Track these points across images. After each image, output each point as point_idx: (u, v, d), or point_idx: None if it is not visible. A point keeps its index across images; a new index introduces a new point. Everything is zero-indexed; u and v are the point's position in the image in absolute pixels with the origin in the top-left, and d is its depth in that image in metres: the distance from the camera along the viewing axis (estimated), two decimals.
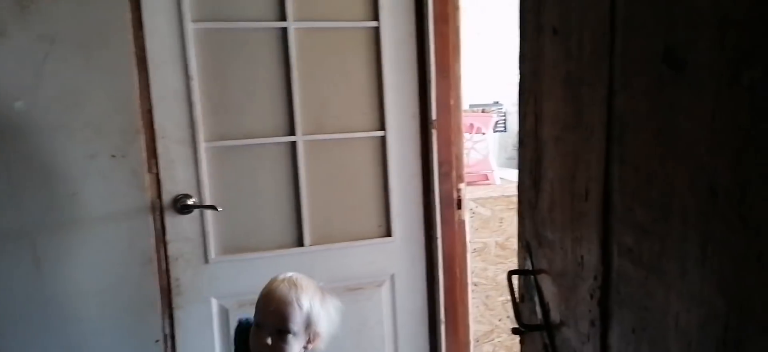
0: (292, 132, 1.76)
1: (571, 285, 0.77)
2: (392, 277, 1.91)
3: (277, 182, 1.79)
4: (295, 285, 1.25)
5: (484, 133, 2.31)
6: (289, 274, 1.30)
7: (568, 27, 0.71)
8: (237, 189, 1.76)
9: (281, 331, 1.21)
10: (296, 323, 1.22)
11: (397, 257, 1.90)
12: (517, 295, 1.01)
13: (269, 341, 1.21)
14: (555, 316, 0.86)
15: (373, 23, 1.78)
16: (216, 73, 1.69)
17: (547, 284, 0.90)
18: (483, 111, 2.63)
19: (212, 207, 1.69)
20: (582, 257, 0.71)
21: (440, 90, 1.83)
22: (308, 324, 1.24)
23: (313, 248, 1.82)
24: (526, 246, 1.01)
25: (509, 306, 2.17)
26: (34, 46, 1.51)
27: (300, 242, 1.81)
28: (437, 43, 1.81)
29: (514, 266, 1.05)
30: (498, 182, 2.30)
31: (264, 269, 1.59)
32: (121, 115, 1.60)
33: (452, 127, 1.85)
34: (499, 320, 2.15)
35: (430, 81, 1.82)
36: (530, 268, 0.97)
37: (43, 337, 1.61)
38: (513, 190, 1.10)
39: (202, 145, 1.69)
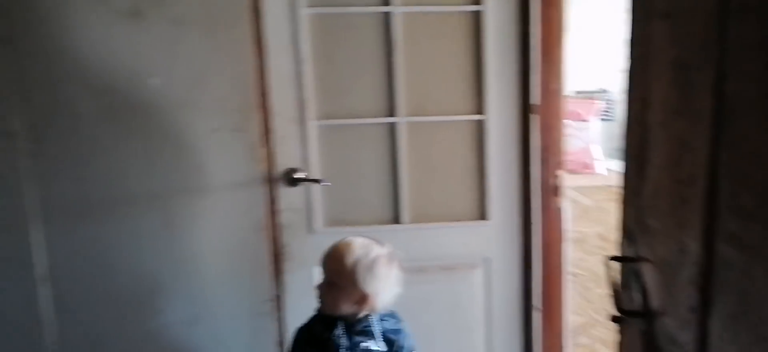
0: (393, 113, 1.83)
1: (672, 272, 0.77)
2: (487, 260, 1.93)
3: (378, 161, 1.87)
4: (348, 245, 1.37)
5: (587, 121, 2.25)
6: (353, 236, 1.42)
7: (679, 11, 0.70)
8: (341, 165, 1.86)
9: (330, 283, 1.37)
10: (341, 277, 1.35)
11: (493, 240, 1.92)
12: (616, 282, 1.01)
13: (322, 289, 1.38)
14: (654, 303, 0.85)
15: (477, 7, 1.79)
16: (325, 56, 1.80)
17: (647, 272, 0.89)
18: (589, 98, 2.53)
19: (317, 181, 1.81)
20: (684, 244, 0.71)
21: (543, 75, 1.81)
22: (354, 283, 1.33)
23: (410, 226, 1.89)
24: (627, 233, 1.00)
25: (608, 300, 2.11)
26: (167, 28, 1.69)
27: (397, 220, 1.89)
28: (542, 28, 1.79)
29: None
30: (601, 171, 2.23)
31: None
32: (240, 94, 1.75)
33: (554, 112, 1.83)
34: (598, 313, 2.10)
35: (532, 66, 1.81)
36: (631, 255, 0.96)
37: (171, 291, 1.81)
38: (616, 180, 1.09)
39: (311, 124, 1.81)
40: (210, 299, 1.84)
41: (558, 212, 1.87)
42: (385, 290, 1.38)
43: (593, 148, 2.24)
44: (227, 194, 1.80)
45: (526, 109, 1.85)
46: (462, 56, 1.83)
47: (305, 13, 1.75)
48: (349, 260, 1.35)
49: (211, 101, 1.74)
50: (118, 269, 1.79)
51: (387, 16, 1.78)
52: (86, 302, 1.80)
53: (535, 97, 1.81)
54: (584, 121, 2.23)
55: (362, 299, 1.36)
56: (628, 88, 0.96)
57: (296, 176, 1.82)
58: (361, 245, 1.39)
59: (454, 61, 1.83)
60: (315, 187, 1.84)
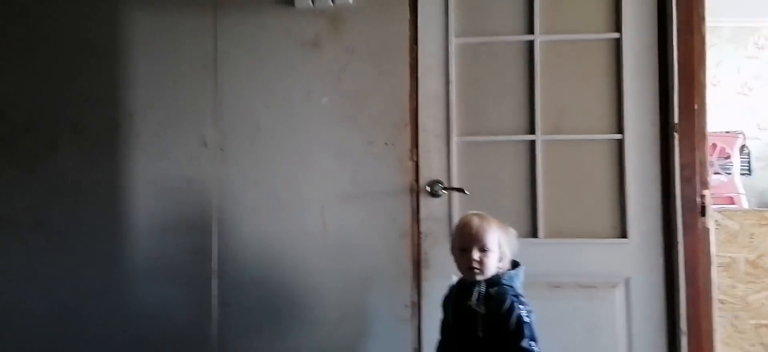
0: (531, 132, 1.96)
1: None
2: (627, 280, 1.92)
3: (516, 176, 1.98)
4: (485, 217, 1.61)
5: (728, 157, 2.21)
6: (475, 211, 1.64)
7: None
8: (480, 180, 1.99)
9: (484, 249, 1.56)
10: (492, 241, 1.58)
11: (633, 260, 1.91)
12: None
13: (478, 256, 1.56)
14: None
15: (615, 34, 1.92)
16: (470, 79, 1.99)
17: None
18: (733, 135, 2.47)
19: (460, 190, 1.95)
20: None
21: (683, 96, 1.87)
22: (499, 244, 1.58)
23: (547, 240, 1.94)
24: None
25: (763, 332, 1.97)
26: (338, 56, 1.99)
27: (534, 234, 1.95)
28: (681, 52, 1.87)
29: None
30: (746, 206, 2.15)
31: None
32: (394, 112, 1.98)
33: (696, 131, 1.85)
34: (752, 346, 1.96)
35: (672, 87, 1.87)
36: None
37: (322, 289, 1.98)
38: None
39: (454, 140, 1.98)
40: (355, 300, 1.99)
41: (704, 232, 1.84)
42: (513, 248, 1.61)
43: (737, 182, 2.19)
44: (377, 201, 1.99)
45: (666, 130, 1.89)
46: (599, 80, 1.95)
47: (455, 42, 1.98)
48: (494, 226, 1.60)
49: (369, 118, 1.99)
50: (278, 264, 2.01)
51: (529, 44, 1.96)
52: (247, 293, 2.02)
53: (677, 117, 1.86)
54: (728, 156, 2.20)
55: (502, 258, 1.58)
56: None
57: (438, 187, 1.98)
58: (489, 216, 1.63)
59: (591, 85, 1.95)
60: (456, 199, 1.98)
